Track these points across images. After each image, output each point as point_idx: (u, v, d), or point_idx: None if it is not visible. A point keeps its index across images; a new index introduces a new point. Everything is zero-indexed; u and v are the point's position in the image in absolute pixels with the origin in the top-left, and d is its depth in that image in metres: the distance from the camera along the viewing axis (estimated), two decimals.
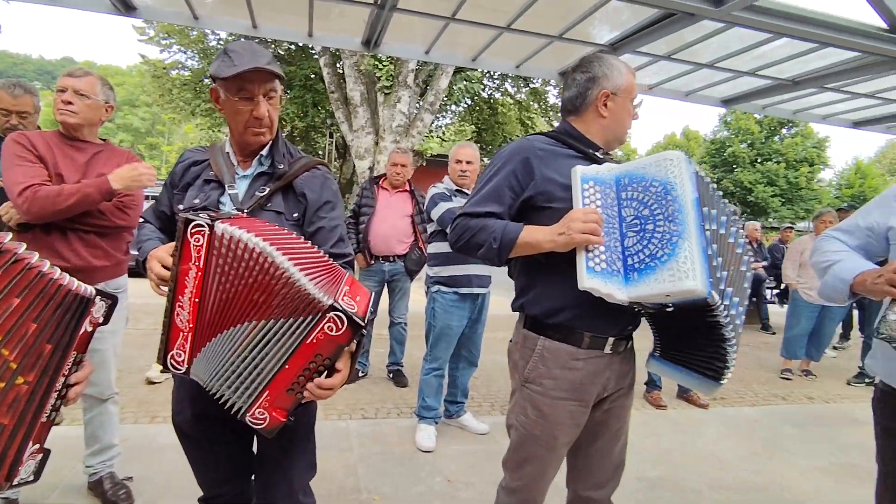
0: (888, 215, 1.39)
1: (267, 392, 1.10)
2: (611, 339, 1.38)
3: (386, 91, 10.36)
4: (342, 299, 1.07)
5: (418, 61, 10.14)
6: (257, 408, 1.11)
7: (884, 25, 4.38)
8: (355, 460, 2.78)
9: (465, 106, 15.72)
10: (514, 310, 1.52)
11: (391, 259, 3.92)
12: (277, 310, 1.07)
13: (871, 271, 1.30)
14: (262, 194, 1.33)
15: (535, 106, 17.67)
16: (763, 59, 5.50)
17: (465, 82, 12.76)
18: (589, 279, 1.20)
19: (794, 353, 5.04)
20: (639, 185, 1.25)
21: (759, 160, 25.66)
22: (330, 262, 1.22)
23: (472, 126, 16.41)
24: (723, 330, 1.20)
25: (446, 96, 13.07)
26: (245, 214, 1.29)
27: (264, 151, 1.38)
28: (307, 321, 1.06)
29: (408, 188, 4.06)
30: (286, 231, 1.21)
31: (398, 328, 4.14)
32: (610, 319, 1.35)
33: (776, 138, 25.72)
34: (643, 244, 1.21)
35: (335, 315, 1.04)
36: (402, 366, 4.19)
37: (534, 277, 1.43)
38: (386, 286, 4.09)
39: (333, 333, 1.06)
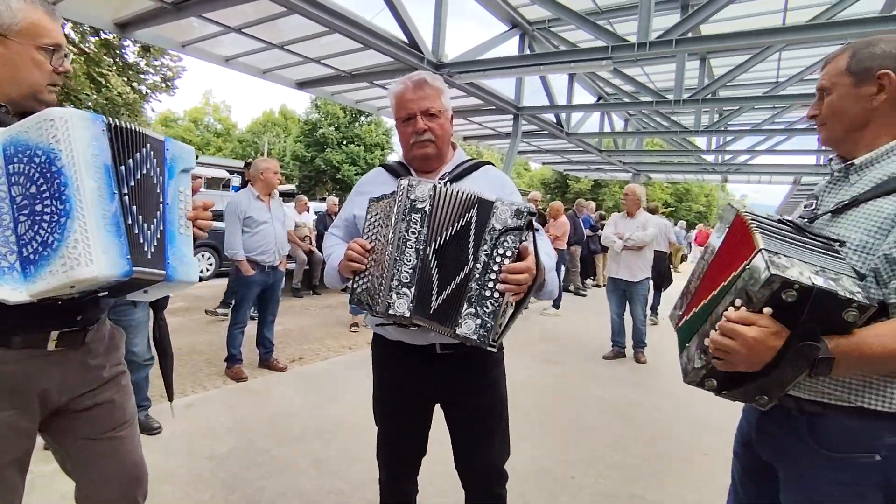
0: (352, 207, 1.70)
1: None
2: (54, 334, 1.21)
3: None
4: None
5: None
6: None
7: (405, 39, 5.47)
8: None
9: None
10: None
11: None
12: None
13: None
14: None
15: (111, 62, 15.00)
16: (326, 49, 6.10)
17: None
18: None
19: (356, 309, 5.98)
20: (25, 156, 1.04)
21: (344, 142, 29.05)
22: None
23: None
24: None
25: None
26: None
27: None
28: None
29: None
30: None
31: None
32: (46, 314, 1.18)
33: (357, 124, 29.58)
34: (35, 230, 1.03)
35: None
36: None
37: None
38: None
39: None
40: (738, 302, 1.00)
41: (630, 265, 5.15)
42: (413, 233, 1.33)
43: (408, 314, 1.29)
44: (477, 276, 1.31)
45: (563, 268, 9.03)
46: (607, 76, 9.19)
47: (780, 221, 1.16)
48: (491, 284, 1.30)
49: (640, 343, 5.28)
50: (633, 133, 12.44)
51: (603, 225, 11.33)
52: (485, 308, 1.29)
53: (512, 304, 1.34)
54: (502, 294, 1.29)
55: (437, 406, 1.71)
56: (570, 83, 9.13)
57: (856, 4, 5.44)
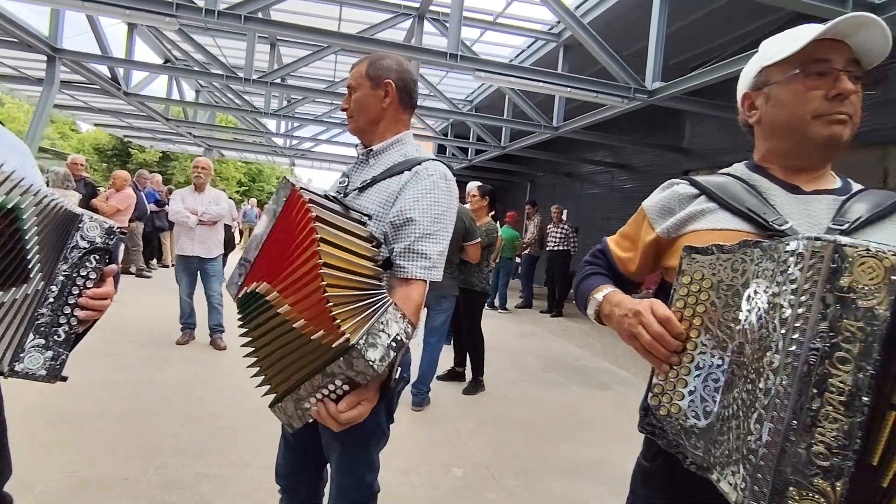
0: None
1: None
2: None
3: None
4: None
5: None
6: None
7: None
8: None
9: None
10: None
11: None
12: None
13: None
14: None
15: None
16: None
17: None
18: None
19: None
20: None
21: None
22: None
23: None
24: None
25: None
26: None
27: None
28: None
29: None
30: None
31: None
32: None
33: None
34: None
35: None
36: None
37: None
38: None
39: None
40: (339, 382, 1.11)
41: (206, 240, 4.94)
42: None
43: None
44: (51, 300, 1.09)
45: (122, 246, 7.88)
46: (176, 38, 8.44)
47: (325, 197, 1.32)
48: (68, 311, 1.10)
49: (218, 326, 4.99)
50: (205, 105, 11.88)
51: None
52: (56, 338, 1.09)
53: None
54: (80, 321, 1.12)
55: None
56: (131, 35, 7.93)
57: (388, 30, 6.75)
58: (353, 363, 1.05)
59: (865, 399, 0.59)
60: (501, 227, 8.44)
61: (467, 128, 11.88)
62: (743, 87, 1.05)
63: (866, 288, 0.59)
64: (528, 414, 3.97)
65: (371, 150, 1.53)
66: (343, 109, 1.58)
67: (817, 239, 0.63)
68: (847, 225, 0.86)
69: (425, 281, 1.36)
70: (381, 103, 1.51)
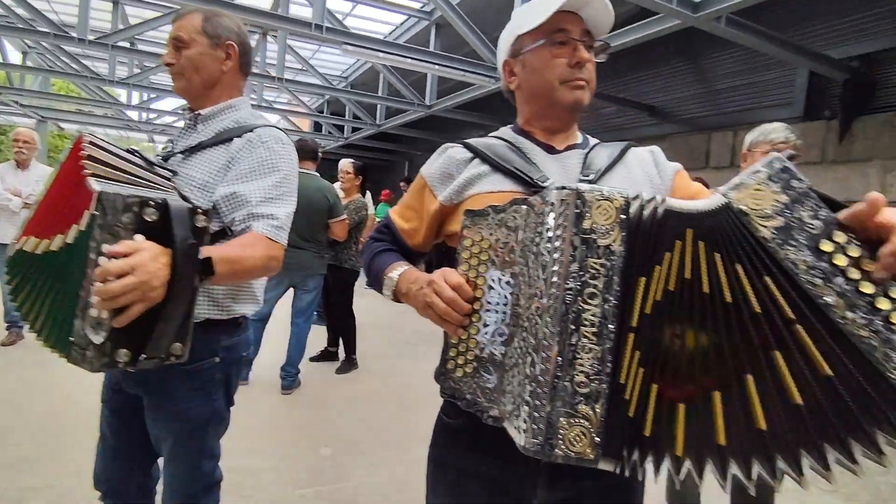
0: None
1: None
2: None
3: None
4: None
5: None
6: None
7: None
8: None
9: None
10: None
11: None
12: None
13: None
14: None
15: None
16: None
17: None
18: None
19: None
20: None
21: None
22: None
23: None
24: None
25: None
26: None
27: None
28: None
29: None
30: None
31: None
32: None
33: None
34: None
35: None
36: None
37: None
38: None
39: None
40: (105, 247, 0.90)
41: None
42: None
43: None
44: None
45: None
46: None
47: (129, 151, 1.20)
48: None
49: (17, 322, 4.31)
50: (33, 69, 10.24)
51: None
52: None
53: None
54: None
55: None
56: None
57: None
58: (104, 207, 0.90)
59: (611, 327, 0.68)
60: (377, 204, 8.39)
61: (344, 106, 11.56)
62: (502, 54, 1.10)
63: (603, 227, 0.68)
64: (400, 387, 4.03)
65: (199, 114, 1.41)
66: (168, 64, 1.41)
67: (564, 188, 0.71)
68: (593, 175, 0.96)
69: (276, 241, 1.25)
70: (221, 66, 1.40)
